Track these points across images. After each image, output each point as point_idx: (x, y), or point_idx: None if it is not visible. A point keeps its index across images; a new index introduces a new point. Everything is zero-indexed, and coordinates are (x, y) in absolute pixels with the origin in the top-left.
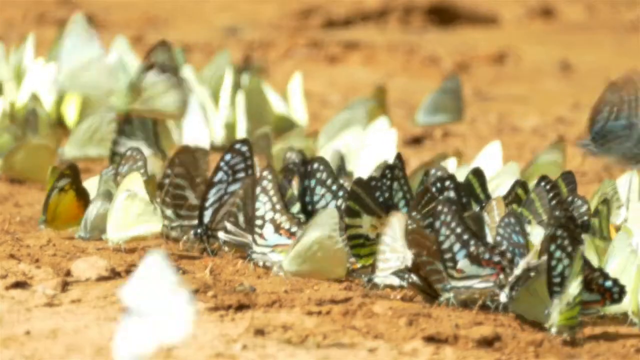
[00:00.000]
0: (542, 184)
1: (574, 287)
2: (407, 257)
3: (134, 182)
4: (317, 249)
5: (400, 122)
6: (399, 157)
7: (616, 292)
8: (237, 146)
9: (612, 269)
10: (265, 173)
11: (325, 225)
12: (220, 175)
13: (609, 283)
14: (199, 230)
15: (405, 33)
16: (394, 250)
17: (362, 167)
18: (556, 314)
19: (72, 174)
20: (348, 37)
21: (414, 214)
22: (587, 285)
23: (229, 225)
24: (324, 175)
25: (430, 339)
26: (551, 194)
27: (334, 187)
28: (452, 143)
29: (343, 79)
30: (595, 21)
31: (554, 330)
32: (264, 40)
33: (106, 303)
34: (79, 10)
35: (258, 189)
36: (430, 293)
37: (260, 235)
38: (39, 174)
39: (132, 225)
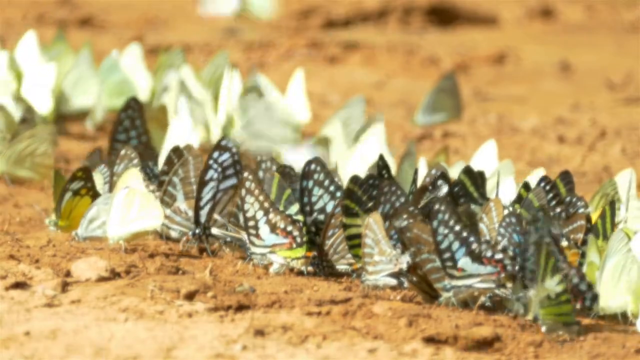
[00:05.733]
0: (542, 184)
1: (552, 283)
2: (401, 259)
3: (133, 178)
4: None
5: (400, 122)
6: (381, 158)
7: (589, 298)
8: (223, 143)
9: (609, 269)
10: (246, 174)
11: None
12: (210, 173)
13: (583, 287)
14: (197, 231)
15: (404, 33)
16: (382, 253)
17: (355, 165)
18: (536, 306)
19: (86, 176)
20: (348, 37)
21: (412, 210)
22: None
23: (217, 217)
24: (321, 176)
25: (430, 340)
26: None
27: (332, 188)
28: (452, 143)
29: (343, 79)
30: (595, 21)
31: (543, 326)
32: (264, 41)
33: (106, 303)
34: (78, 10)
35: (243, 191)
36: (429, 292)
37: (257, 236)
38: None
39: (133, 220)
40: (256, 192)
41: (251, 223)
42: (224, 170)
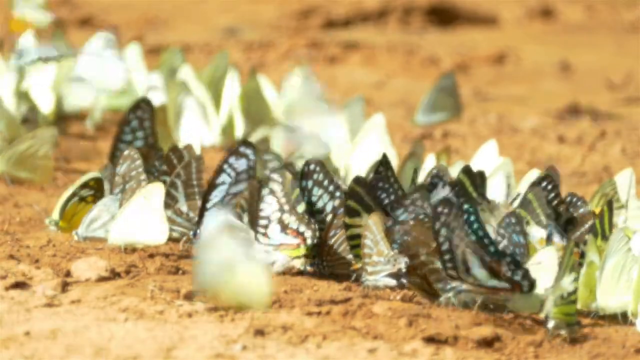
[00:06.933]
0: (543, 184)
1: (567, 282)
2: (399, 260)
3: (155, 193)
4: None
5: (400, 122)
6: (384, 156)
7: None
8: (242, 149)
9: (609, 268)
10: (274, 175)
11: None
12: (223, 177)
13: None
14: (198, 231)
15: (404, 33)
16: (380, 254)
17: (356, 165)
18: (550, 304)
19: (97, 187)
20: (348, 37)
21: (423, 218)
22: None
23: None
24: (321, 176)
25: (430, 340)
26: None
27: (331, 188)
28: (452, 143)
29: (343, 79)
30: (595, 21)
31: (550, 324)
32: (264, 41)
33: (106, 303)
34: (78, 10)
35: (266, 191)
36: (429, 291)
37: (264, 235)
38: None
39: (138, 231)
40: (279, 194)
41: (263, 222)
42: (237, 175)
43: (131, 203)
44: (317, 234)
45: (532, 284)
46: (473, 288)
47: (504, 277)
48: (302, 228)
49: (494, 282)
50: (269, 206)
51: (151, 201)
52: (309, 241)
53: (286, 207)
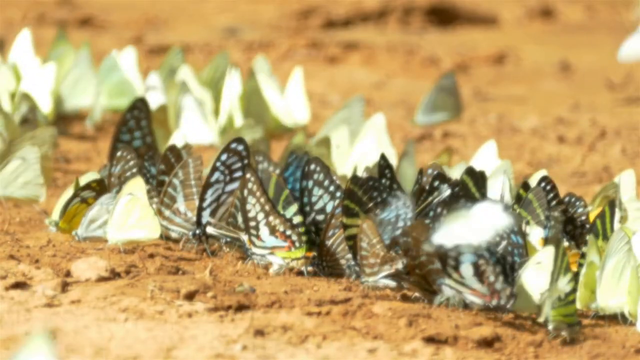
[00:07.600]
0: (542, 184)
1: (563, 283)
2: (396, 261)
3: (137, 187)
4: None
5: (400, 122)
6: (383, 157)
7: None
8: (233, 145)
9: (609, 269)
10: (248, 175)
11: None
12: (217, 175)
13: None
14: (197, 231)
15: (404, 33)
16: (376, 255)
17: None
18: (548, 307)
19: (99, 188)
20: (348, 37)
21: (427, 223)
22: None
23: (211, 221)
24: (321, 177)
25: (430, 340)
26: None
27: (332, 188)
28: (452, 143)
29: (343, 79)
30: (595, 22)
31: (550, 326)
32: (264, 41)
33: (106, 303)
34: (78, 10)
35: (245, 192)
36: (429, 289)
37: (258, 237)
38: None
39: (132, 228)
40: (257, 193)
41: (252, 224)
42: (231, 173)
43: (119, 202)
44: (304, 232)
45: (510, 298)
46: (455, 285)
47: (486, 281)
48: (289, 231)
49: (476, 285)
50: (253, 207)
51: (137, 197)
52: (296, 244)
53: (267, 208)
